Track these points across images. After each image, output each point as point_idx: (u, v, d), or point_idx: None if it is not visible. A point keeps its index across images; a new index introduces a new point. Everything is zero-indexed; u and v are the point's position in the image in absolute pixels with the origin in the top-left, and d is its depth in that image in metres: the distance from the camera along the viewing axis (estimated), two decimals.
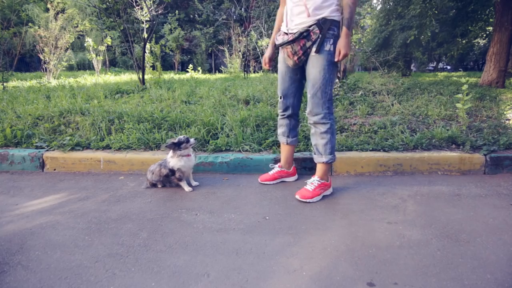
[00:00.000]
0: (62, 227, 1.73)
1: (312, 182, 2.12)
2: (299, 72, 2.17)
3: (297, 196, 2.09)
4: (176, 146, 2.17)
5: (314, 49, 1.97)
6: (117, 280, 1.30)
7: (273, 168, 2.41)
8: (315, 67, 2.01)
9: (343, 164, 2.56)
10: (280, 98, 2.27)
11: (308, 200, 2.05)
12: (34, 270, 1.37)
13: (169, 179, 2.26)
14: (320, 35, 1.94)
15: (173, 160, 2.19)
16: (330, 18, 1.93)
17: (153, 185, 2.30)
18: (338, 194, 2.15)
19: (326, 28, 1.93)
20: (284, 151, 2.38)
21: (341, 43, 1.92)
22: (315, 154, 2.15)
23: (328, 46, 1.95)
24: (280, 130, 2.36)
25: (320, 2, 1.93)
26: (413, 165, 2.55)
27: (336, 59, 1.96)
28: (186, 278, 1.31)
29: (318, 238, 1.60)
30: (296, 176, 2.45)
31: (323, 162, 2.11)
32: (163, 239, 1.61)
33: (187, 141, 2.21)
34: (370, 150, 2.67)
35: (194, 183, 2.33)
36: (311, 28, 1.96)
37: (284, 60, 2.16)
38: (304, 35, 1.98)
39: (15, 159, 2.71)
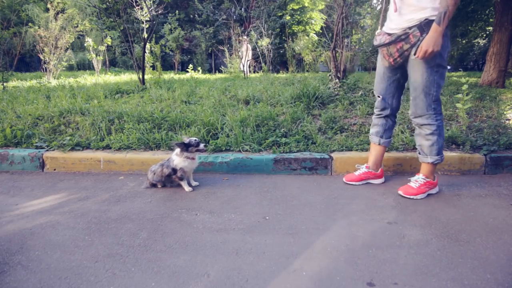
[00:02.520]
0: (62, 227, 1.73)
1: (417, 180, 2.09)
2: (398, 71, 2.09)
3: (400, 192, 2.09)
4: (185, 147, 2.18)
5: (413, 51, 1.88)
6: (117, 280, 1.30)
7: (359, 168, 2.35)
8: (416, 70, 1.93)
9: (343, 164, 2.56)
10: (378, 97, 2.20)
11: (412, 197, 2.04)
12: (34, 270, 1.37)
13: (170, 179, 2.26)
14: (421, 38, 1.83)
15: (177, 158, 2.19)
16: (433, 19, 1.80)
17: (153, 185, 2.30)
18: (338, 194, 2.15)
19: (429, 29, 1.80)
20: (374, 151, 2.30)
21: (425, 39, 1.79)
22: (419, 154, 2.11)
23: None
24: (373, 130, 2.29)
25: (421, 1, 1.81)
26: (413, 165, 2.55)
27: (416, 55, 1.84)
28: (186, 278, 1.31)
29: (318, 238, 1.60)
30: (383, 179, 2.36)
31: (428, 163, 2.06)
32: (163, 239, 1.61)
33: (197, 145, 2.20)
34: None
35: (194, 183, 2.33)
36: (411, 31, 1.86)
37: (381, 59, 2.10)
38: (402, 38, 1.90)
39: (15, 159, 2.71)
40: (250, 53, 10.98)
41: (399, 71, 2.09)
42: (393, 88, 2.15)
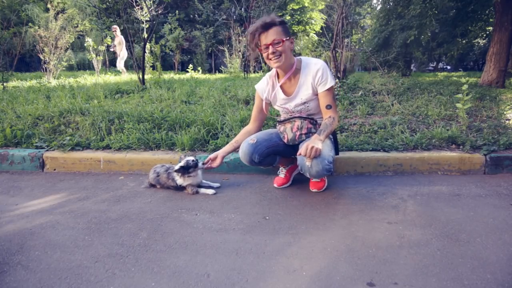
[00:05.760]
0: (62, 227, 1.73)
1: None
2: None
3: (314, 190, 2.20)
4: (185, 170, 2.12)
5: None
6: (117, 280, 1.30)
7: (281, 171, 2.36)
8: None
9: (343, 164, 2.56)
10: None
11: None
12: (34, 270, 1.37)
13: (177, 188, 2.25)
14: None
15: (180, 179, 2.17)
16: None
17: (152, 185, 2.30)
18: (338, 194, 2.15)
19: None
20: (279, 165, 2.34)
21: (312, 138, 1.93)
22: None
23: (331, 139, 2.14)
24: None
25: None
26: (413, 165, 2.55)
27: (299, 151, 1.91)
28: (186, 278, 1.31)
29: (318, 238, 1.60)
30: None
31: None
32: (163, 239, 1.61)
33: (196, 165, 2.15)
34: (370, 150, 2.67)
35: (215, 185, 2.30)
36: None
37: (281, 132, 2.21)
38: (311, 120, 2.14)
39: (15, 159, 2.71)
40: (123, 46, 9.36)
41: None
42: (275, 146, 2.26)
